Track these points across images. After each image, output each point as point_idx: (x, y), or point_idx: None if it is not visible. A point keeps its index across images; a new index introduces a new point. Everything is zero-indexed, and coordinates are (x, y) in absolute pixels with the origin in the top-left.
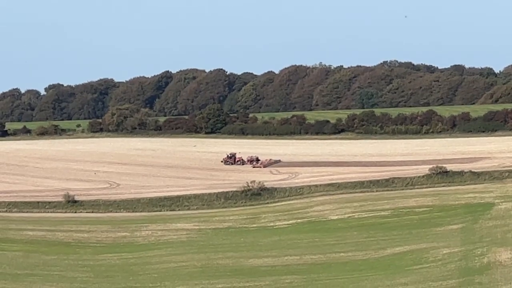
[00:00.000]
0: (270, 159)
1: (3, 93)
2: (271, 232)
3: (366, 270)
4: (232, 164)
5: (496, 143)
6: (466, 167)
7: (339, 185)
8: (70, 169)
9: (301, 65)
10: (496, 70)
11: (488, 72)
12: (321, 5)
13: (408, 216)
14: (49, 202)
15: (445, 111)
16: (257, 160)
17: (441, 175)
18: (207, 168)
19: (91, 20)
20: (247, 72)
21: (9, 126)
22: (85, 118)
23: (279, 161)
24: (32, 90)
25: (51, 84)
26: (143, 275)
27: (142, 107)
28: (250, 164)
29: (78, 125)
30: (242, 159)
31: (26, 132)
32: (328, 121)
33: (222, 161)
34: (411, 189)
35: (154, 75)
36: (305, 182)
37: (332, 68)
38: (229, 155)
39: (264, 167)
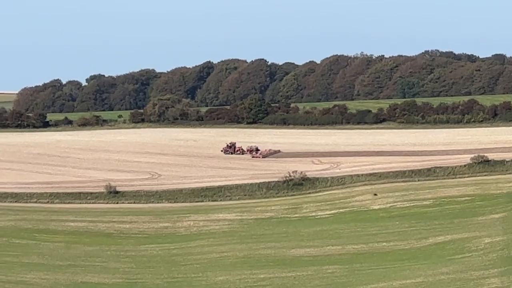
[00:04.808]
0: (270, 149)
1: (45, 84)
2: (313, 222)
3: (408, 259)
4: (232, 153)
5: None
6: (507, 156)
7: (381, 174)
8: (112, 160)
9: (342, 55)
10: None
11: None
12: None
13: (450, 206)
14: (91, 193)
15: (487, 101)
16: (257, 150)
17: (483, 164)
18: (247, 159)
19: (132, 11)
20: (288, 62)
21: (51, 117)
22: (126, 109)
23: (279, 151)
24: (74, 81)
25: (92, 75)
26: (185, 265)
27: (183, 98)
28: (250, 153)
29: (120, 116)
30: (241, 149)
31: (67, 123)
32: (369, 111)
33: (222, 150)
34: (452, 178)
35: (196, 66)
36: (346, 172)
37: (374, 57)
38: (229, 145)
39: (263, 157)
